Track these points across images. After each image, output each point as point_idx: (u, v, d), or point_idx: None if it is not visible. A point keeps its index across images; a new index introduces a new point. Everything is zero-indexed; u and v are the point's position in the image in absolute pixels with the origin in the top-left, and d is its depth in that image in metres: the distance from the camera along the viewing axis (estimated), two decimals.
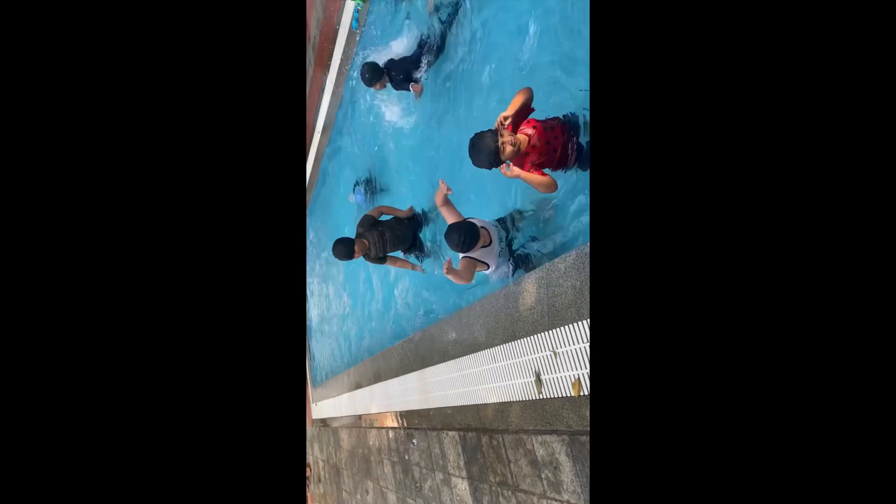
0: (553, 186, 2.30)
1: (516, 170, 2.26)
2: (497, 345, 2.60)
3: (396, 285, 4.81)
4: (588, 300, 1.92)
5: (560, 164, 2.39)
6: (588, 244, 1.93)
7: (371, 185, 5.11)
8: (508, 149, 2.18)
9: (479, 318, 2.76)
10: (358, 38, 5.26)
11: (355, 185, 5.19)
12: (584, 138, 2.37)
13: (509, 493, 2.53)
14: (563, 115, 2.42)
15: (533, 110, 2.38)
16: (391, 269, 4.74)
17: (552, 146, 2.30)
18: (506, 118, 2.18)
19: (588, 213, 2.36)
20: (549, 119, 2.37)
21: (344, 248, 3.55)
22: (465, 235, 2.47)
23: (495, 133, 2.18)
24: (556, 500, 2.18)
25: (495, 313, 2.60)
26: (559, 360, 2.12)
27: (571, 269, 1.99)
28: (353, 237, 3.64)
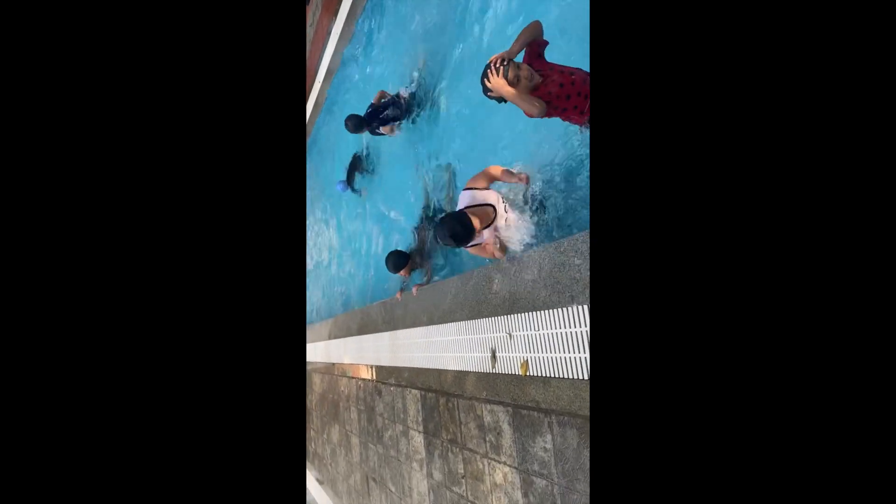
0: (542, 111, 1.97)
1: (505, 85, 1.90)
2: (462, 320, 2.83)
3: (382, 247, 5.00)
4: (541, 294, 2.13)
5: (569, 113, 2.05)
6: (547, 243, 2.12)
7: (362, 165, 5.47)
8: (520, 81, 1.87)
9: (451, 292, 2.97)
10: None
11: (339, 181, 5.61)
12: None
13: (457, 449, 2.84)
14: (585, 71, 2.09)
15: (546, 43, 2.06)
16: (379, 232, 4.95)
17: (565, 91, 1.99)
18: (503, 59, 1.89)
19: (549, 210, 2.54)
20: (570, 70, 2.06)
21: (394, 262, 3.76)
22: (454, 231, 2.20)
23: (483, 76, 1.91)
24: (495, 461, 2.48)
25: (465, 291, 2.81)
26: (513, 342, 2.36)
27: (533, 264, 2.19)
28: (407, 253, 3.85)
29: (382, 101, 4.47)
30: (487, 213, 2.45)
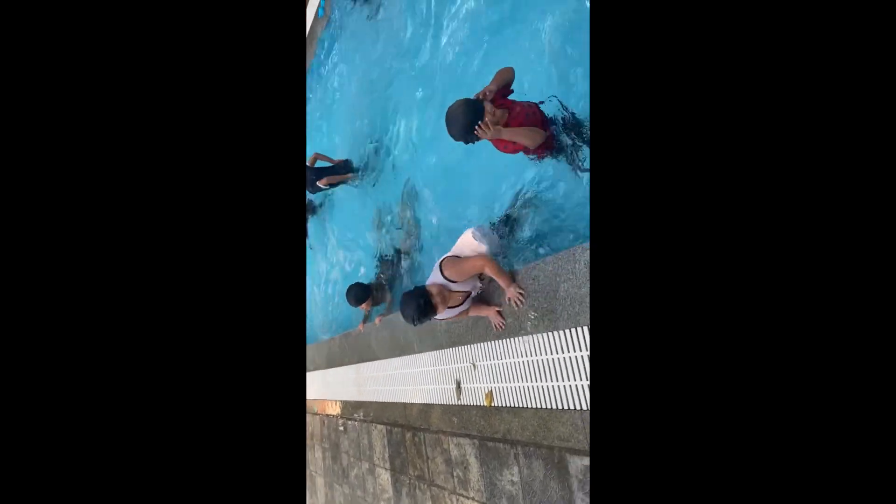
0: (542, 135, 2.08)
1: (499, 128, 2.00)
2: (427, 351, 2.78)
3: (340, 279, 4.90)
4: (505, 321, 2.12)
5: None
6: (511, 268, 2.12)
7: None
8: (489, 118, 1.98)
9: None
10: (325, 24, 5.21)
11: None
12: (561, 133, 2.25)
13: (425, 486, 2.75)
14: (541, 103, 2.28)
15: (512, 91, 2.22)
16: (342, 264, 4.86)
17: (530, 121, 2.14)
18: (490, 91, 2.02)
19: (516, 239, 2.55)
20: (529, 102, 2.24)
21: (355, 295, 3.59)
22: (416, 311, 2.04)
23: (477, 101, 1.99)
24: (463, 497, 2.41)
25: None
26: (477, 373, 2.33)
27: (496, 290, 2.19)
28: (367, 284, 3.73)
29: (317, 164, 4.41)
30: (455, 297, 2.19)
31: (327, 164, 4.45)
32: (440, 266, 2.13)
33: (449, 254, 2.23)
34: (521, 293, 2.01)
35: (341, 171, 4.42)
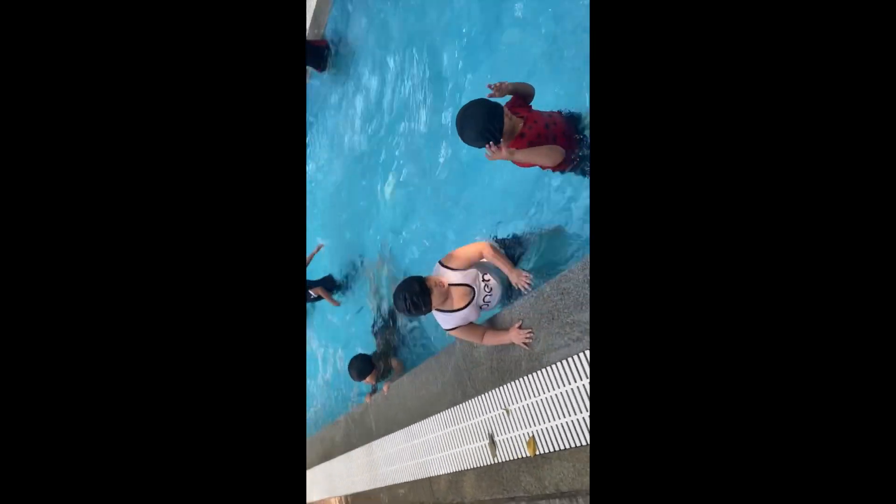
0: (560, 153, 1.88)
1: (512, 151, 1.83)
2: (446, 408, 2.46)
3: (337, 358, 4.58)
4: (534, 349, 1.88)
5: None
6: (535, 289, 1.92)
7: None
8: (506, 122, 1.81)
9: (428, 378, 2.62)
10: None
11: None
12: (585, 145, 2.04)
13: None
14: (563, 112, 2.10)
15: (529, 106, 2.02)
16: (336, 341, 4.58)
17: (551, 131, 1.91)
18: (506, 86, 1.84)
19: (535, 259, 2.36)
20: (550, 112, 2.05)
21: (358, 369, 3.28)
22: (409, 294, 1.93)
23: (497, 105, 1.82)
24: None
25: (444, 372, 2.48)
26: (512, 418, 2.02)
27: (516, 319, 1.96)
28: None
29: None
30: (462, 295, 2.06)
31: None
32: (439, 263, 2.07)
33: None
34: (527, 276, 1.89)
35: (330, 286, 4.49)
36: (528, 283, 1.98)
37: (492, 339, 2.04)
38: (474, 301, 2.06)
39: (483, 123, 1.78)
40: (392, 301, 2.04)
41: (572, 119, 2.06)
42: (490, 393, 2.14)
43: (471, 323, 2.07)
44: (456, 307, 2.04)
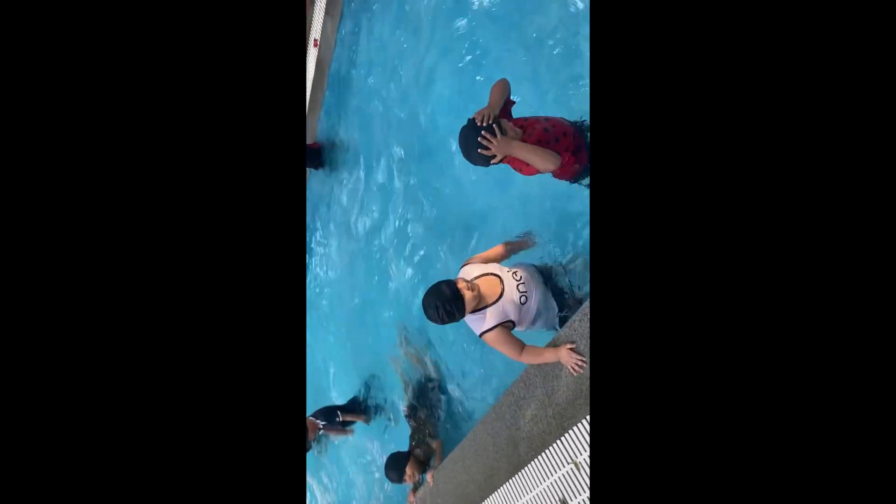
0: (558, 158, 1.76)
1: (509, 140, 1.72)
2: (503, 482, 2.13)
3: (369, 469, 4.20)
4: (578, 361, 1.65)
5: (563, 159, 1.84)
6: (581, 310, 1.74)
7: None
8: (510, 134, 1.73)
9: (475, 450, 2.31)
10: None
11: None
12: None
13: None
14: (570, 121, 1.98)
15: (514, 103, 1.93)
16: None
17: (551, 134, 1.82)
18: (490, 110, 1.72)
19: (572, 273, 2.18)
20: (548, 116, 1.92)
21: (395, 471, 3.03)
22: (439, 298, 1.75)
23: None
24: None
25: (494, 438, 2.19)
26: (583, 473, 1.72)
27: (568, 339, 1.76)
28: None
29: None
30: (492, 285, 1.88)
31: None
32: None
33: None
34: (578, 357, 1.71)
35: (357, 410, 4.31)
36: (579, 363, 1.70)
37: (533, 355, 1.82)
38: (506, 292, 1.84)
39: (472, 135, 1.71)
40: (423, 311, 1.81)
41: (575, 124, 1.98)
42: (553, 447, 1.86)
43: (509, 331, 1.84)
44: (489, 302, 1.82)
